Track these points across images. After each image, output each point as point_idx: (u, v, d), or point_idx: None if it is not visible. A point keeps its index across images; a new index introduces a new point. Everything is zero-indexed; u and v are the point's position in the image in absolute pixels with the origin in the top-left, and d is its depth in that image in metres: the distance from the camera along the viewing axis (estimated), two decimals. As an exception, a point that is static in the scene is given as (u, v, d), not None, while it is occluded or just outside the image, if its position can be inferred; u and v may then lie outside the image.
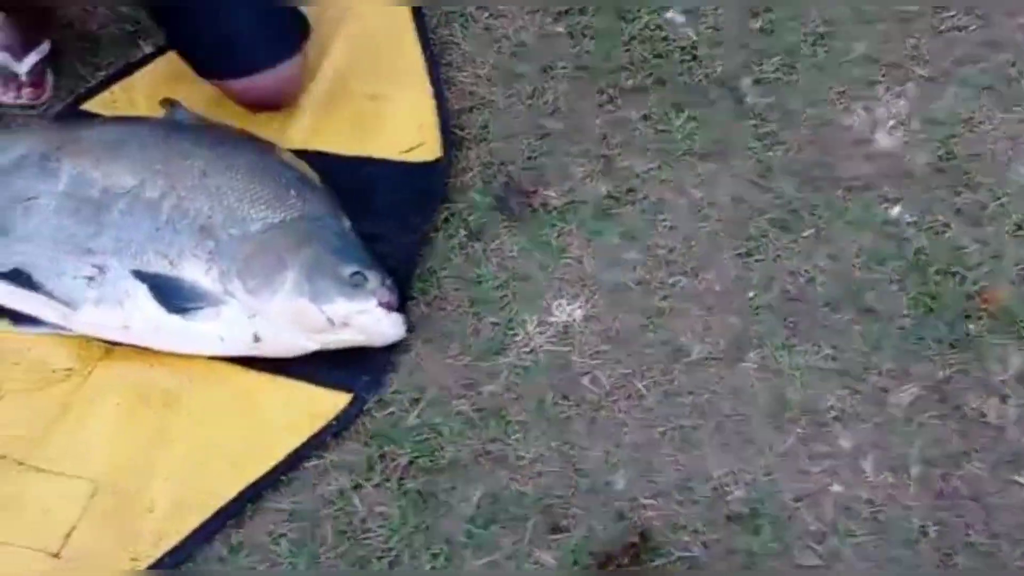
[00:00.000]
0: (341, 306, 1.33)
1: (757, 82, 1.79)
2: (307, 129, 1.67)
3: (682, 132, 1.70)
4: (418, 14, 1.82)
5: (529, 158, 1.67)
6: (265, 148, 1.56)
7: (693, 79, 1.79)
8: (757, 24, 1.88)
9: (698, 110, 1.74)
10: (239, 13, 1.53)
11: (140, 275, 1.35)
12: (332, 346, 1.38)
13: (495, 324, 1.47)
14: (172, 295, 1.34)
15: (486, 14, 1.89)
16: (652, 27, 1.88)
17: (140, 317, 1.35)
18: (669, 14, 1.90)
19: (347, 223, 1.47)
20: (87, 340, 1.42)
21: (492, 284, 1.51)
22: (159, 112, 1.62)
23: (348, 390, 1.37)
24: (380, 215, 1.54)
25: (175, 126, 1.56)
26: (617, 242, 1.56)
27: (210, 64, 1.60)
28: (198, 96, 1.67)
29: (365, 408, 1.37)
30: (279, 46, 1.60)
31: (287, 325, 1.35)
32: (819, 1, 1.87)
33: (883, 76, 1.78)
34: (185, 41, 1.61)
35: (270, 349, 1.36)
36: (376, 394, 1.38)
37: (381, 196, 1.58)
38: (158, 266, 1.36)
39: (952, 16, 1.87)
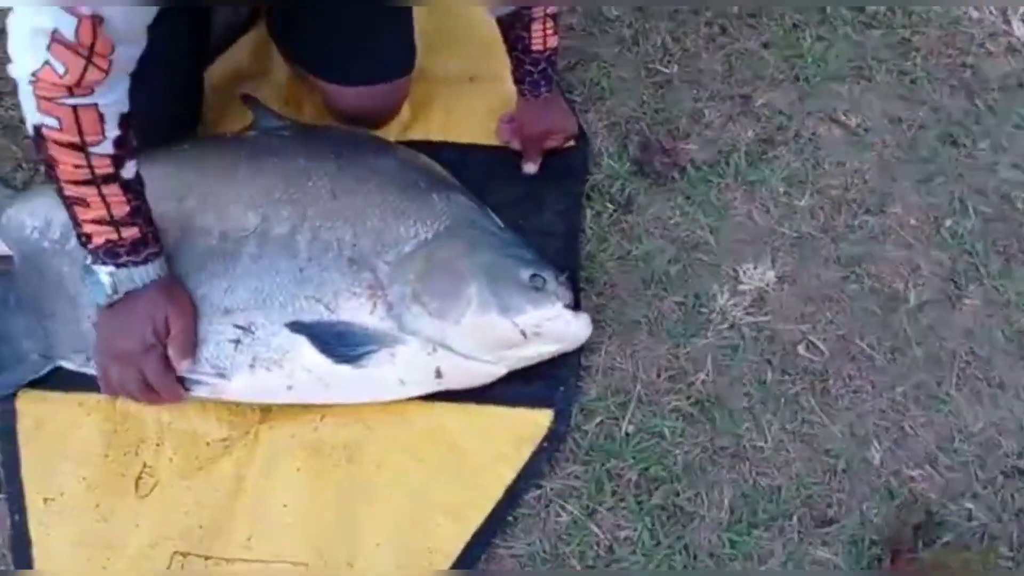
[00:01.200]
0: (531, 315, 1.17)
1: (871, -16, 1.63)
2: (406, 123, 1.47)
3: (812, 55, 1.55)
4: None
5: (656, 111, 1.50)
6: (386, 148, 1.36)
7: (800, -9, 1.63)
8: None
9: (820, 28, 1.58)
10: (368, 24, 1.33)
11: (296, 327, 1.16)
12: (521, 364, 1.21)
13: (680, 304, 1.32)
14: (338, 344, 1.14)
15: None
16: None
17: (304, 374, 1.15)
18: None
19: (498, 220, 1.30)
20: (235, 402, 1.24)
21: (664, 259, 1.35)
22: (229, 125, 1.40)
23: (547, 405, 1.22)
24: (522, 204, 1.37)
25: (275, 139, 1.31)
26: (784, 189, 1.41)
27: (329, 68, 1.39)
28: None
29: (572, 423, 1.21)
30: (400, 61, 1.40)
31: (474, 348, 1.17)
32: None
33: (999, -39, 1.64)
34: (306, 42, 1.40)
35: (455, 382, 1.19)
36: (577, 403, 1.23)
37: (513, 183, 1.40)
38: (314, 313, 1.16)
39: None
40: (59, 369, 1.22)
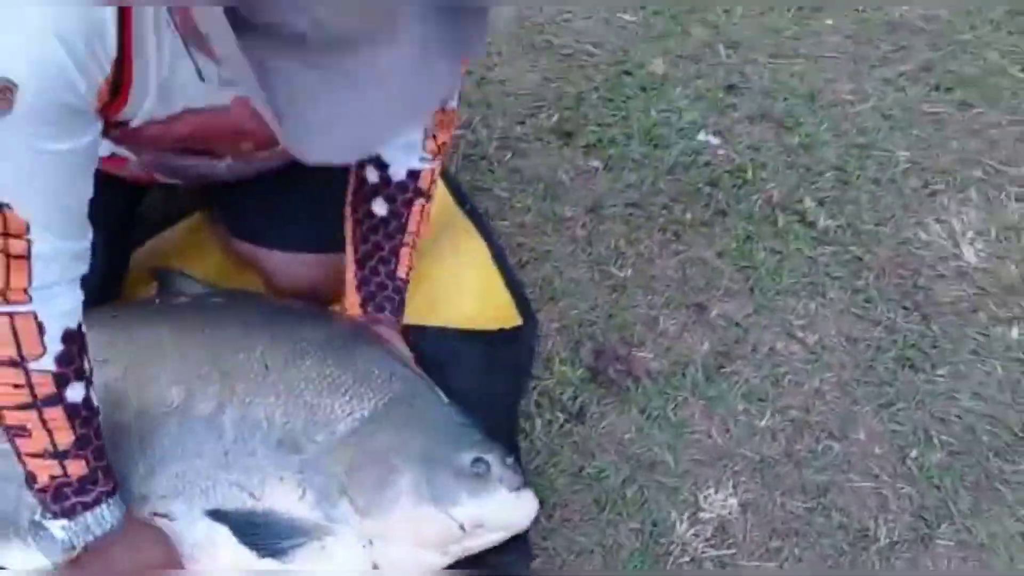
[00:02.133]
0: (468, 507, 1.06)
1: (820, 203, 1.64)
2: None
3: (766, 268, 1.52)
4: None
5: (610, 315, 1.44)
6: (323, 318, 1.25)
7: (752, 205, 1.62)
8: (794, 140, 1.75)
9: (773, 241, 1.57)
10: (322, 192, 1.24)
11: (217, 515, 1.04)
12: (467, 553, 1.09)
13: (637, 531, 1.21)
14: (263, 536, 1.03)
15: (509, 154, 1.68)
16: (689, 152, 1.71)
17: (228, 568, 1.04)
18: (701, 136, 1.75)
19: (443, 396, 1.17)
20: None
21: (619, 478, 1.25)
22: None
23: None
24: (465, 391, 1.25)
25: (205, 307, 1.22)
26: (743, 407, 1.34)
27: (281, 236, 1.29)
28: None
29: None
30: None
31: (411, 544, 1.06)
32: (846, 113, 1.77)
33: (942, 185, 1.68)
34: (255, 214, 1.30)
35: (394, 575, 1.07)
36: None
37: (464, 370, 1.30)
38: (237, 501, 1.05)
39: (980, 114, 1.80)
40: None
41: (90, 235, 0.95)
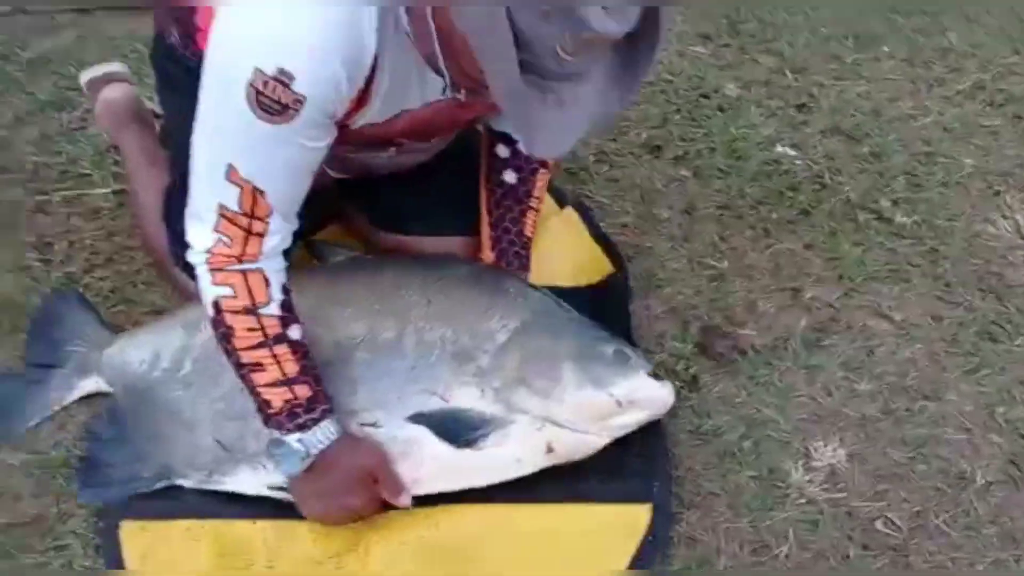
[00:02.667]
0: (622, 386, 1.25)
1: (895, 203, 1.79)
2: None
3: (852, 258, 1.67)
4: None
5: (712, 300, 1.59)
6: (455, 260, 1.44)
7: (832, 206, 1.78)
8: (864, 149, 1.91)
9: (855, 235, 1.72)
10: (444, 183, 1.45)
11: (417, 418, 1.21)
12: (618, 433, 1.26)
13: (755, 478, 1.34)
14: (459, 430, 1.20)
15: (605, 166, 1.85)
16: (769, 162, 1.88)
17: (431, 464, 1.21)
18: (779, 148, 1.91)
19: (571, 309, 1.36)
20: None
21: (735, 434, 1.39)
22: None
23: (645, 500, 1.27)
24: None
25: (363, 264, 1.42)
26: (842, 374, 1.48)
27: (407, 221, 1.47)
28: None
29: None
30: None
31: (578, 422, 1.23)
32: (910, 127, 1.93)
33: (1003, 186, 1.83)
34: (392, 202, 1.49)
35: (564, 455, 1.25)
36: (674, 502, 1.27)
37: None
38: (432, 404, 1.22)
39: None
40: (162, 498, 1.22)
41: (300, 216, 1.15)
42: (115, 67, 1.75)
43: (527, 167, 1.43)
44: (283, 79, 0.95)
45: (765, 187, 1.81)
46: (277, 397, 1.12)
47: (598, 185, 1.80)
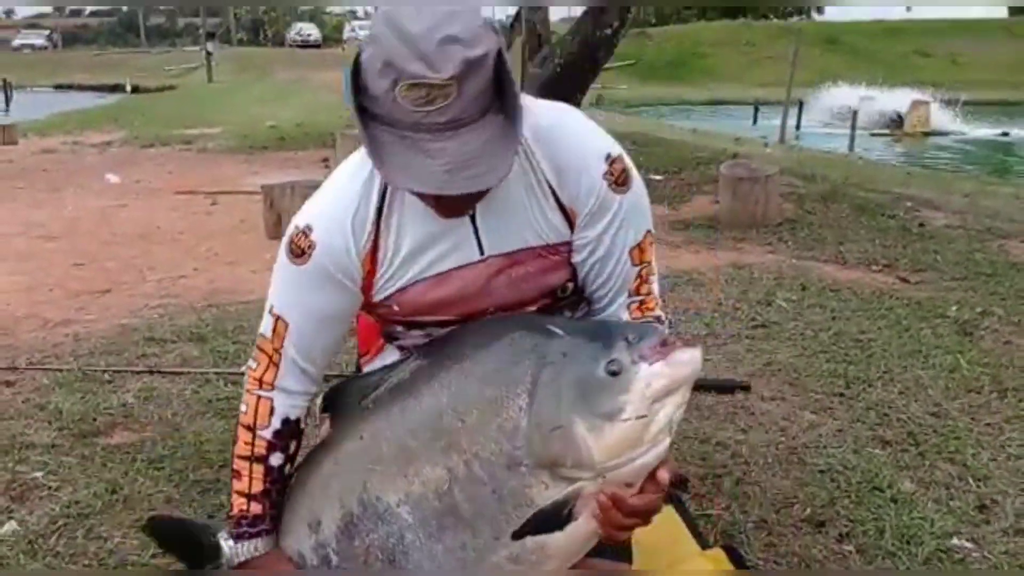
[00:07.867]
0: (632, 403, 1.13)
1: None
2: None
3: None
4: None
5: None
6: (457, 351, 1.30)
7: (1013, 598, 1.64)
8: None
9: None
10: None
11: (518, 534, 1.19)
12: (671, 428, 1.15)
13: None
14: (550, 521, 1.18)
15: (765, 533, 1.83)
16: (944, 548, 1.80)
17: (556, 557, 1.21)
18: (955, 540, 1.84)
19: (559, 324, 1.23)
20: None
21: None
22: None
23: None
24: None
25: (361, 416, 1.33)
26: None
27: None
28: None
29: None
30: None
31: (622, 456, 1.14)
32: None
33: None
34: None
35: (636, 479, 1.17)
36: None
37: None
38: (522, 515, 1.19)
39: None
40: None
41: (324, 366, 1.33)
42: None
43: None
44: (306, 231, 1.25)
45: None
46: (236, 505, 1.31)
47: (753, 548, 1.79)
